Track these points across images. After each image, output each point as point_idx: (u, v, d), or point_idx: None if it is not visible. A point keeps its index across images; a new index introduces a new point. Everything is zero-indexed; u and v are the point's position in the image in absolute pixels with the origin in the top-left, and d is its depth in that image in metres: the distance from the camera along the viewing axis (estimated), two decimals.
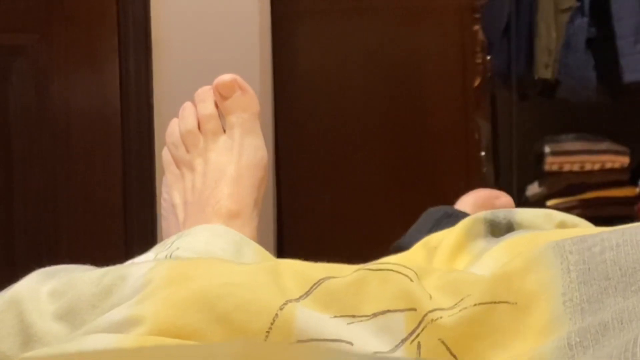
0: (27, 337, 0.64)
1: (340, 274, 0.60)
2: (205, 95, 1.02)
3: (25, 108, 2.25)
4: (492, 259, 0.65)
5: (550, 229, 0.73)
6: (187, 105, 1.03)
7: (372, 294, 0.57)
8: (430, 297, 0.57)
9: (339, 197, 2.65)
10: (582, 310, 0.52)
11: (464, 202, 1.33)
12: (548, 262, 0.56)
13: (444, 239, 0.74)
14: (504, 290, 0.55)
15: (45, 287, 0.67)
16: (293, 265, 0.62)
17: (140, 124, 2.22)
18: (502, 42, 3.26)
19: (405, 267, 0.60)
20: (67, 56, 2.26)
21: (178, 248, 0.78)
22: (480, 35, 2.49)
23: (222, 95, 1.00)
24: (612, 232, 0.56)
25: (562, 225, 0.74)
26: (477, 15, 2.47)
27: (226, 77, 1.00)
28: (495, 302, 0.55)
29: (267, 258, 0.82)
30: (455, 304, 0.56)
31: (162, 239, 0.99)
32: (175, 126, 1.03)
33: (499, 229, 0.74)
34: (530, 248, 0.59)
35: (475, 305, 0.55)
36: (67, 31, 2.25)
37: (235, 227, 0.89)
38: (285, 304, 0.56)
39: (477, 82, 2.48)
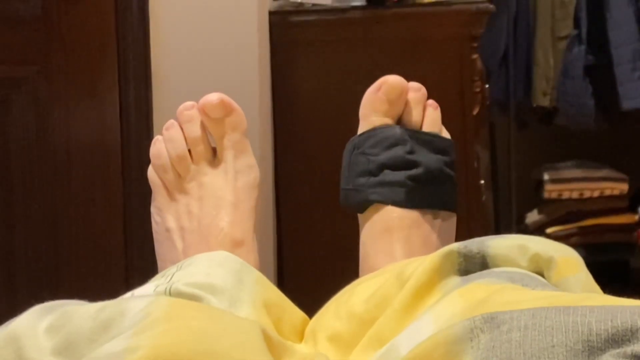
0: None
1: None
2: (191, 116, 0.97)
3: (25, 140, 2.25)
4: (446, 308, 0.66)
5: (524, 263, 0.72)
6: (172, 124, 0.99)
7: None
8: None
9: (339, 222, 2.64)
10: None
11: None
12: (459, 342, 0.56)
13: (415, 270, 0.74)
14: None
15: (43, 323, 0.67)
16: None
17: (141, 155, 2.21)
18: (501, 71, 3.27)
19: None
20: (67, 88, 2.26)
21: (178, 280, 0.77)
22: (479, 64, 2.50)
23: (209, 117, 0.96)
24: (523, 312, 0.56)
25: (535, 257, 0.72)
26: (475, 44, 2.48)
27: (213, 97, 0.96)
28: None
29: (268, 287, 0.81)
30: None
31: (158, 265, 0.98)
32: (162, 146, 0.99)
33: (473, 263, 0.73)
34: (473, 304, 0.62)
35: None
36: (67, 63, 2.25)
37: (240, 256, 0.87)
38: None
39: (475, 111, 2.48)
